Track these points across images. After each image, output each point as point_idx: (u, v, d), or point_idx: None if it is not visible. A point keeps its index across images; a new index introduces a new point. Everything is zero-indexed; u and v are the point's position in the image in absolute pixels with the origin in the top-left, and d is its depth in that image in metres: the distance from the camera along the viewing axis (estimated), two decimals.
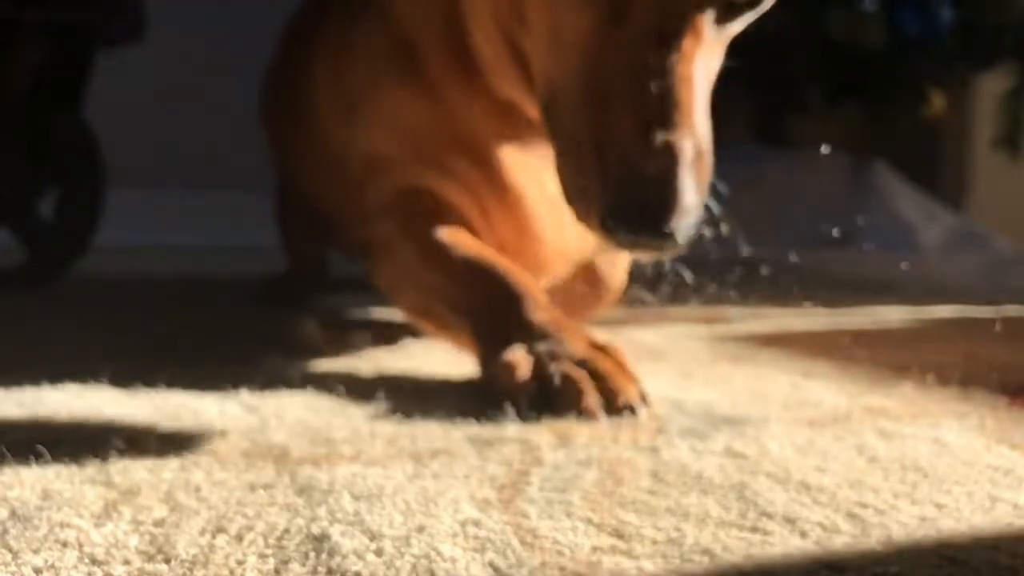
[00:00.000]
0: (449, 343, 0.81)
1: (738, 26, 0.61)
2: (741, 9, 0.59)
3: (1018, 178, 2.42)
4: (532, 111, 0.69)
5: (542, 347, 0.68)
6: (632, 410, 0.66)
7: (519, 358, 0.67)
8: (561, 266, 0.89)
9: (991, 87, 2.38)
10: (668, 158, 0.54)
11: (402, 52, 0.80)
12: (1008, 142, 2.25)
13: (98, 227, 1.56)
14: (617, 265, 0.95)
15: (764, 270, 1.43)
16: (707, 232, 0.63)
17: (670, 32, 0.56)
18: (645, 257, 0.70)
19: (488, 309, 0.72)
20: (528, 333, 0.69)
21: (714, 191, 0.60)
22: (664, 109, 0.54)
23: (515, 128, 0.77)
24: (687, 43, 0.56)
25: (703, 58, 0.57)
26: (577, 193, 0.57)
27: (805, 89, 2.30)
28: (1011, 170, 2.36)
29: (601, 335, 0.73)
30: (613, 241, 0.56)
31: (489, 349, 0.71)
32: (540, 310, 0.71)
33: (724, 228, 0.78)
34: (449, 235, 0.79)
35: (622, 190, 0.54)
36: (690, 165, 0.54)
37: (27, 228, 1.53)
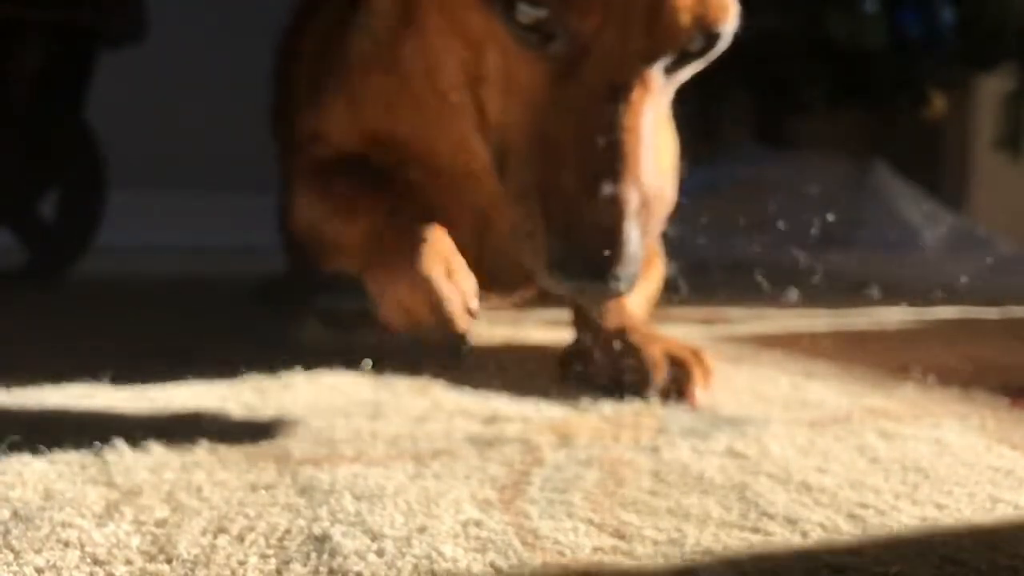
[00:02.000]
0: (342, 262, 0.82)
1: (687, 74, 0.62)
2: (690, 59, 0.60)
3: (1019, 179, 2.42)
4: (482, 157, 0.69)
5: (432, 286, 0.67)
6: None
7: (417, 302, 0.67)
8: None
9: (992, 88, 2.38)
10: (613, 210, 0.55)
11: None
12: (1009, 143, 2.25)
13: (99, 227, 1.56)
14: (648, 288, 0.94)
15: (765, 271, 1.43)
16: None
17: (619, 86, 0.57)
18: (589, 303, 0.73)
19: (388, 231, 0.73)
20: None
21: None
22: (611, 161, 0.56)
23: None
24: (635, 95, 0.58)
25: (651, 108, 0.59)
26: (525, 239, 0.59)
27: (806, 90, 2.30)
28: (1012, 171, 2.36)
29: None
30: (559, 287, 0.58)
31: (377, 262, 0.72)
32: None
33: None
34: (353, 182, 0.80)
35: (568, 240, 0.56)
36: (635, 215, 0.56)
37: (28, 228, 1.54)
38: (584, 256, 0.55)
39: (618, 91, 0.57)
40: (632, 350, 0.73)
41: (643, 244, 0.57)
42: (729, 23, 0.60)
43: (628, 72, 0.58)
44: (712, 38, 0.59)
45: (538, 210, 0.58)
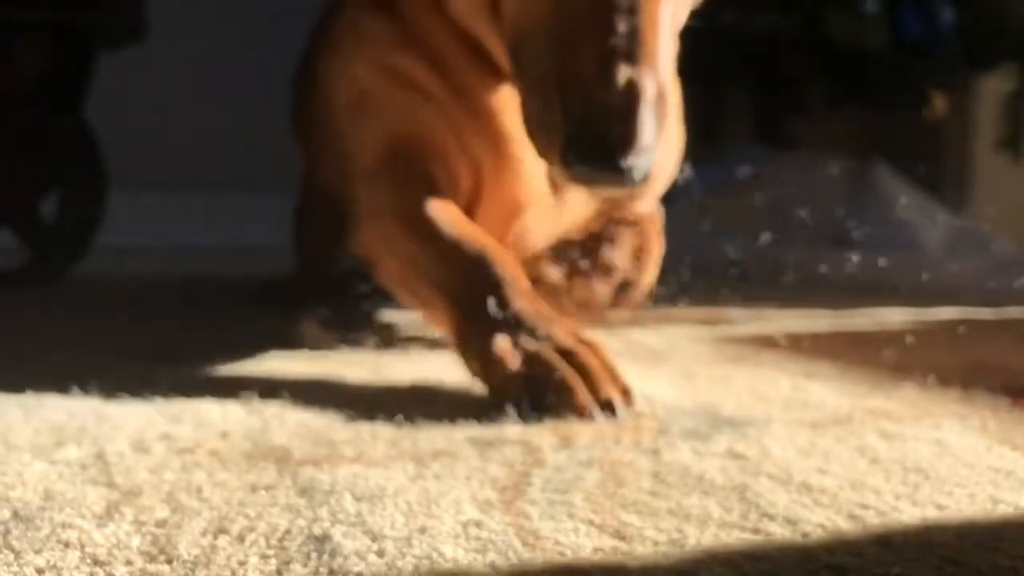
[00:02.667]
0: (427, 318, 0.80)
1: None
2: None
3: (1019, 180, 2.41)
4: (502, 60, 0.69)
5: (527, 339, 0.67)
6: (613, 410, 0.65)
7: (506, 350, 0.66)
8: (548, 228, 0.88)
9: (992, 89, 2.37)
10: (629, 94, 0.54)
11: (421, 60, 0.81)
12: (1009, 144, 2.25)
13: (99, 228, 1.56)
14: (645, 265, 0.94)
15: (765, 271, 1.43)
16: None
17: None
18: (603, 193, 0.72)
19: (470, 292, 0.71)
20: (511, 322, 0.68)
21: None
22: (628, 46, 0.55)
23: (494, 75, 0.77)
24: None
25: (670, 1, 0.58)
26: (540, 128, 0.58)
27: (806, 90, 2.30)
28: (1012, 172, 2.36)
29: (585, 330, 0.73)
30: (572, 175, 0.57)
31: (468, 333, 0.70)
32: (523, 298, 0.70)
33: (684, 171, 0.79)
34: (439, 209, 0.77)
35: (583, 123, 0.55)
36: (651, 103, 0.55)
37: (29, 229, 1.54)
38: (598, 140, 0.54)
39: None
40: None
41: (658, 136, 0.56)
42: None
43: None
44: None
45: (554, 97, 0.57)
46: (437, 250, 0.75)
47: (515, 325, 0.68)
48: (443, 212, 0.77)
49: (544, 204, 0.84)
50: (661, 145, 0.57)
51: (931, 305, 1.40)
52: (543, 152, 0.59)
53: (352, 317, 1.20)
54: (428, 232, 0.76)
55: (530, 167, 0.80)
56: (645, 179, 0.56)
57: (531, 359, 0.66)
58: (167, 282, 1.71)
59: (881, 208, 2.25)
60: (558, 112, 0.56)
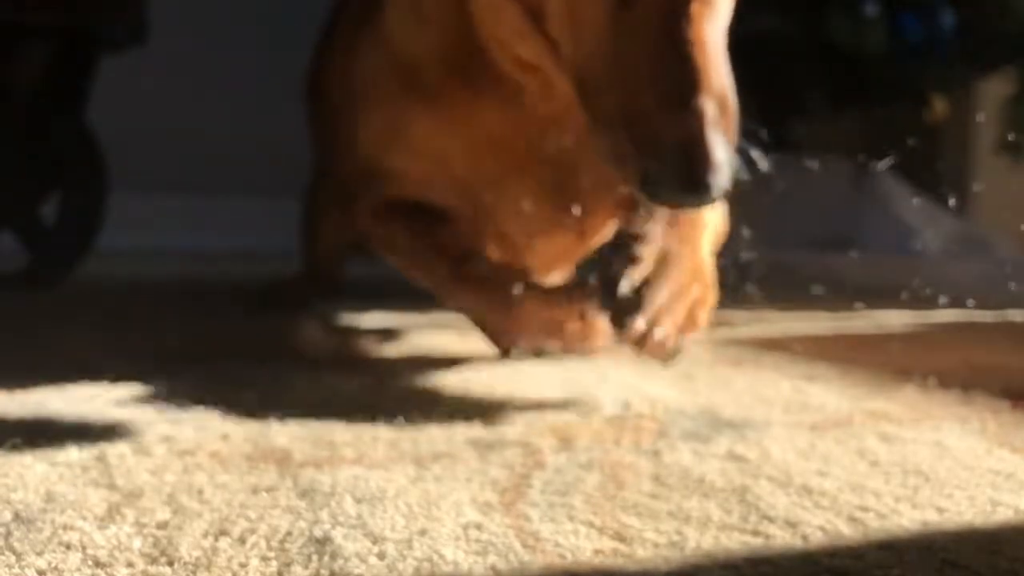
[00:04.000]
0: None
1: None
2: None
3: (1020, 182, 2.41)
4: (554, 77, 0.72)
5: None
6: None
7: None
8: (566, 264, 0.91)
9: (993, 92, 2.37)
10: (694, 122, 0.57)
11: (400, 69, 0.84)
12: (1010, 146, 2.25)
13: (100, 231, 1.56)
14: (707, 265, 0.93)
15: (766, 274, 1.43)
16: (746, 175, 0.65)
17: (678, 2, 0.60)
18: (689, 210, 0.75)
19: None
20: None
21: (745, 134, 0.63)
22: (682, 77, 0.58)
23: (524, 124, 0.80)
24: (695, 8, 0.60)
25: (712, 16, 0.61)
26: (616, 161, 0.62)
27: (807, 94, 2.30)
28: (1013, 174, 2.36)
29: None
30: (657, 202, 0.61)
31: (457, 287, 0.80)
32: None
33: (762, 164, 0.80)
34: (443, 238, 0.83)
35: (657, 158, 0.58)
36: (715, 123, 0.58)
37: (29, 232, 1.54)
38: (676, 171, 0.58)
39: (678, 7, 0.59)
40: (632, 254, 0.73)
41: (728, 148, 0.59)
42: None
43: None
44: None
45: (624, 134, 0.60)
46: (435, 250, 0.82)
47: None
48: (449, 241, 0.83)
49: (552, 220, 0.85)
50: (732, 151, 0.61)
51: (931, 308, 1.40)
52: (625, 180, 0.62)
53: (353, 320, 1.21)
54: (423, 233, 0.82)
55: (516, 184, 0.83)
56: (725, 190, 0.59)
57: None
58: (168, 285, 1.71)
59: (881, 211, 2.25)
60: (630, 147, 0.60)
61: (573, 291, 0.77)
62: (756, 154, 0.74)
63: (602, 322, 0.77)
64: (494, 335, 0.86)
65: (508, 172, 0.83)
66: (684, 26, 0.59)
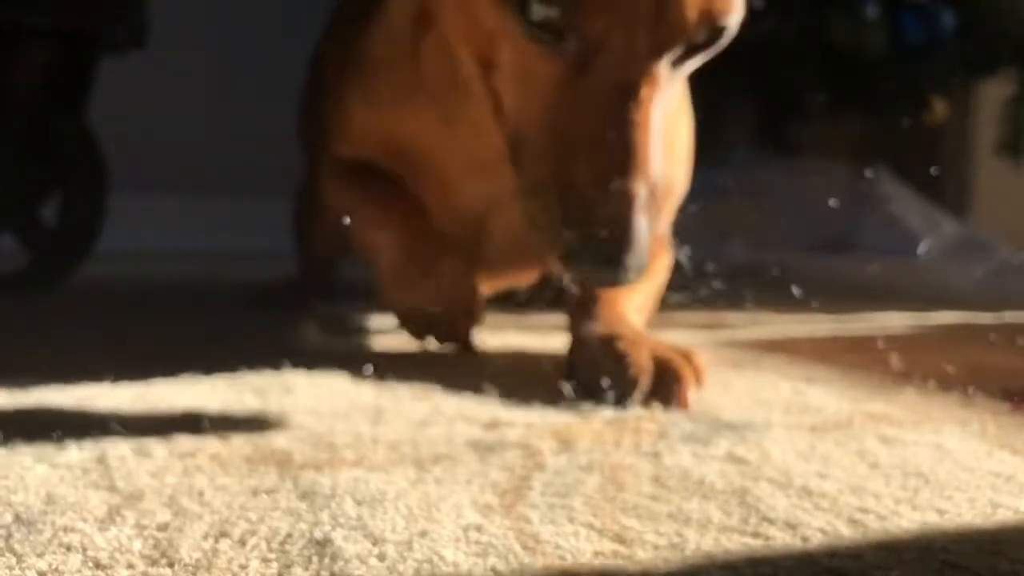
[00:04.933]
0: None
1: (693, 65, 0.63)
2: (697, 51, 0.62)
3: (1020, 185, 2.41)
4: (494, 147, 0.72)
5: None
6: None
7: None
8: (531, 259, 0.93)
9: (993, 93, 2.37)
10: (623, 203, 0.58)
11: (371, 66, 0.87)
12: (1010, 148, 2.25)
13: (100, 232, 1.56)
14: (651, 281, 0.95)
15: (766, 276, 1.43)
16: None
17: (628, 83, 0.59)
18: (602, 287, 0.78)
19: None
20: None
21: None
22: (621, 157, 0.59)
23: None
24: (644, 91, 0.60)
25: (660, 101, 0.61)
26: (542, 228, 0.62)
27: (807, 95, 2.30)
28: (1013, 177, 2.36)
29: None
30: (573, 274, 0.62)
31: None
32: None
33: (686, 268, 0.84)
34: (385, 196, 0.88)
35: (580, 231, 0.59)
36: (643, 208, 0.59)
37: (30, 233, 1.54)
38: (596, 247, 0.58)
39: (627, 88, 0.59)
40: (618, 356, 0.74)
41: (651, 234, 0.60)
42: (735, 15, 0.62)
43: (637, 69, 0.60)
44: (718, 30, 0.61)
45: (552, 202, 0.60)
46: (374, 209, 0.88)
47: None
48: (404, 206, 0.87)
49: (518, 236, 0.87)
50: (653, 232, 0.61)
51: (931, 310, 1.40)
52: (544, 248, 0.63)
53: (352, 321, 1.21)
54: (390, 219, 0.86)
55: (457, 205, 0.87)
56: (640, 274, 0.60)
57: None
58: (168, 286, 1.71)
59: (882, 213, 2.25)
60: (556, 214, 0.60)
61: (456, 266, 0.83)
62: (684, 257, 0.76)
63: (480, 310, 0.85)
64: (385, 287, 0.87)
65: (436, 193, 0.87)
66: (630, 106, 0.59)
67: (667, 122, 0.63)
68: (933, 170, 2.42)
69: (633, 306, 0.85)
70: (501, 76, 0.66)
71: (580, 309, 0.82)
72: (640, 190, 0.59)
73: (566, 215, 0.60)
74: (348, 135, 0.91)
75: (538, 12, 0.59)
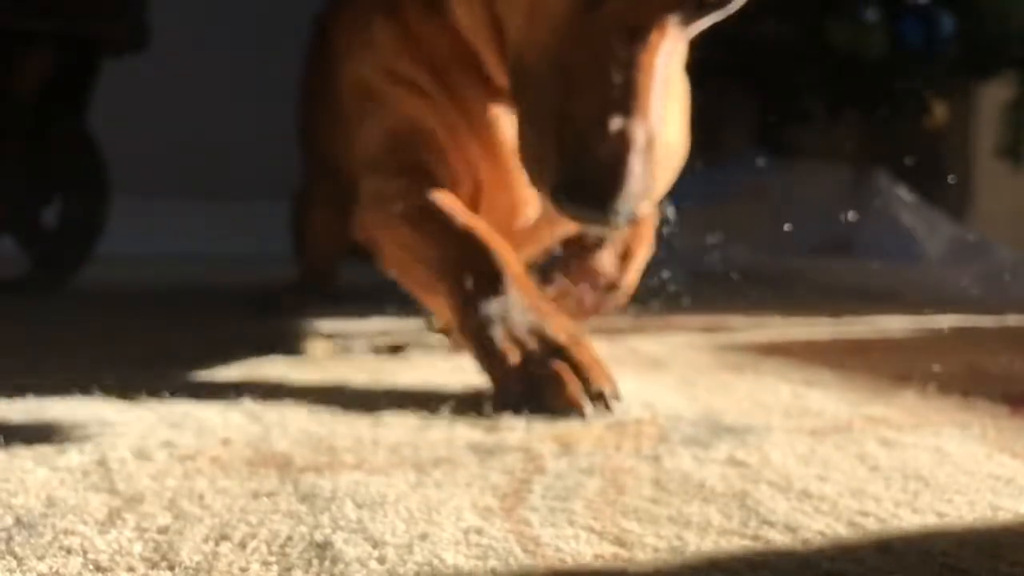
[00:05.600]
0: (427, 303, 0.82)
1: (704, 24, 0.63)
2: (709, 9, 0.62)
3: (1020, 188, 2.41)
4: (498, 75, 0.70)
5: (522, 332, 0.71)
6: (607, 404, 0.68)
7: (505, 344, 0.70)
8: (539, 236, 0.91)
9: (993, 97, 2.38)
10: (621, 144, 0.57)
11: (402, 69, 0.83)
12: (1010, 152, 2.25)
13: (101, 235, 1.56)
14: (629, 267, 0.95)
15: (766, 279, 1.43)
16: (664, 228, 0.67)
17: (639, 26, 0.59)
18: (589, 229, 0.77)
19: (469, 280, 0.74)
20: (508, 313, 0.72)
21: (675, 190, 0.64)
22: (624, 97, 0.58)
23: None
24: (653, 37, 0.60)
25: (666, 51, 0.61)
26: (534, 159, 0.61)
27: (807, 99, 2.30)
28: (1013, 180, 2.36)
29: (572, 326, 0.74)
30: (560, 208, 0.60)
31: (467, 321, 0.73)
32: (520, 289, 0.73)
33: (672, 221, 0.82)
34: (440, 199, 0.79)
35: (574, 167, 0.58)
36: (641, 152, 0.58)
37: (30, 236, 1.54)
38: (588, 184, 0.58)
39: (637, 31, 0.59)
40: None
41: (647, 182, 0.59)
42: None
43: (649, 15, 0.59)
44: None
45: (550, 134, 0.60)
46: (438, 238, 0.77)
47: (512, 317, 0.72)
48: (444, 201, 0.79)
49: (534, 213, 0.85)
50: (651, 188, 0.60)
51: (932, 313, 1.40)
52: (534, 180, 0.62)
53: (353, 324, 1.21)
54: (430, 220, 0.78)
55: (522, 178, 0.81)
56: (631, 221, 0.59)
57: (528, 353, 0.70)
58: (168, 290, 1.71)
59: (882, 216, 2.25)
60: (552, 147, 0.59)
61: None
62: (671, 213, 0.76)
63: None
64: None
65: (493, 164, 0.83)
66: (638, 49, 0.59)
67: (671, 82, 0.63)
68: (951, 178, 2.42)
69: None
70: (508, 3, 0.65)
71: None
72: (639, 134, 0.58)
73: (561, 150, 0.59)
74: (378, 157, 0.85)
75: None
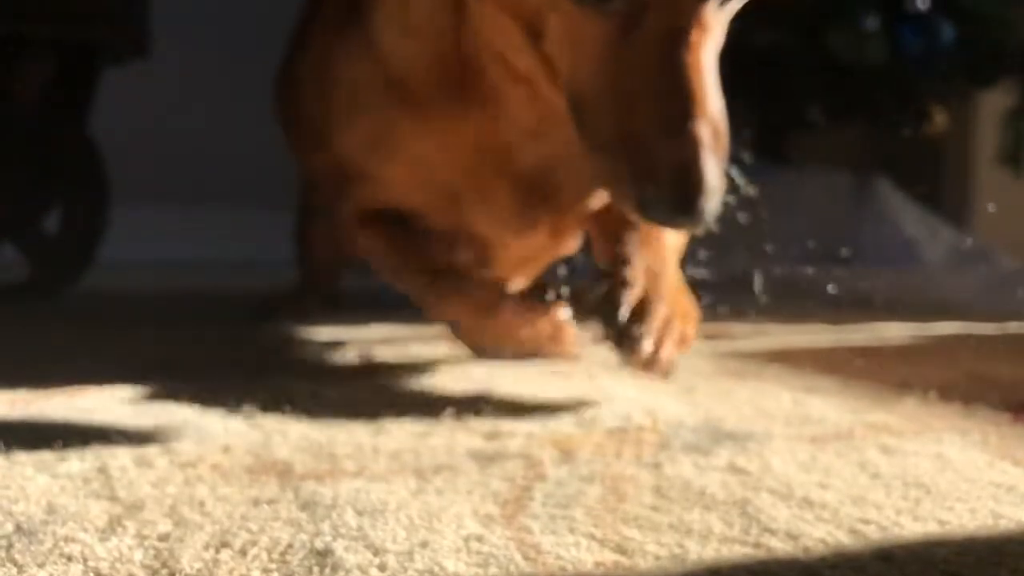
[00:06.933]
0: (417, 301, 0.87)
1: (739, 3, 0.64)
2: None
3: (1020, 194, 2.42)
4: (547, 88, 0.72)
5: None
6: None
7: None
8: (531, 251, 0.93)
9: (993, 104, 2.38)
10: (690, 147, 0.59)
11: (385, 76, 0.84)
12: (1010, 158, 2.25)
13: (102, 242, 1.56)
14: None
15: (767, 286, 1.43)
16: (731, 200, 0.68)
17: (678, 30, 0.60)
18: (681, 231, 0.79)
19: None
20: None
21: (734, 160, 0.65)
22: (681, 102, 0.60)
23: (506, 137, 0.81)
24: (694, 35, 0.61)
25: (710, 43, 0.62)
26: (613, 183, 0.63)
27: (807, 107, 2.30)
28: (1013, 186, 2.36)
29: None
30: (652, 222, 0.63)
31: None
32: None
33: (747, 191, 0.83)
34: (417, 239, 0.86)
35: (653, 181, 0.60)
36: (710, 149, 0.60)
37: (31, 243, 1.54)
38: (670, 195, 0.59)
39: (678, 36, 0.60)
40: (651, 308, 0.73)
41: (722, 174, 0.61)
42: None
43: (685, 16, 0.61)
44: None
45: (620, 157, 0.61)
46: (416, 245, 0.85)
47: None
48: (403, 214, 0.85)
49: (524, 227, 0.87)
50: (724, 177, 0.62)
51: (932, 320, 1.40)
52: (620, 202, 0.64)
53: (354, 330, 1.21)
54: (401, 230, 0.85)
55: (495, 190, 0.85)
56: (716, 215, 0.61)
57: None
58: (168, 296, 1.71)
59: (882, 223, 2.25)
60: (627, 171, 0.61)
61: (544, 298, 0.81)
62: (737, 175, 0.77)
63: (571, 327, 0.82)
64: (471, 342, 0.89)
65: (486, 179, 0.84)
66: (683, 53, 0.60)
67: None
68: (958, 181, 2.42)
69: (672, 246, 0.84)
70: (552, 43, 0.66)
71: (625, 244, 0.80)
72: (704, 132, 0.59)
73: (635, 168, 0.60)
74: (390, 170, 0.87)
75: None
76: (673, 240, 0.85)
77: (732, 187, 0.78)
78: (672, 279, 0.78)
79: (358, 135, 0.88)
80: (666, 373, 0.72)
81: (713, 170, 0.59)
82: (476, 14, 0.74)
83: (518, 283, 0.97)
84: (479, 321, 0.82)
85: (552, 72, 0.68)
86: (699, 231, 0.64)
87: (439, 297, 0.84)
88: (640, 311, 0.72)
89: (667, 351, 0.72)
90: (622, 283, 0.75)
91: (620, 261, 0.78)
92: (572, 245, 0.95)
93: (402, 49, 0.82)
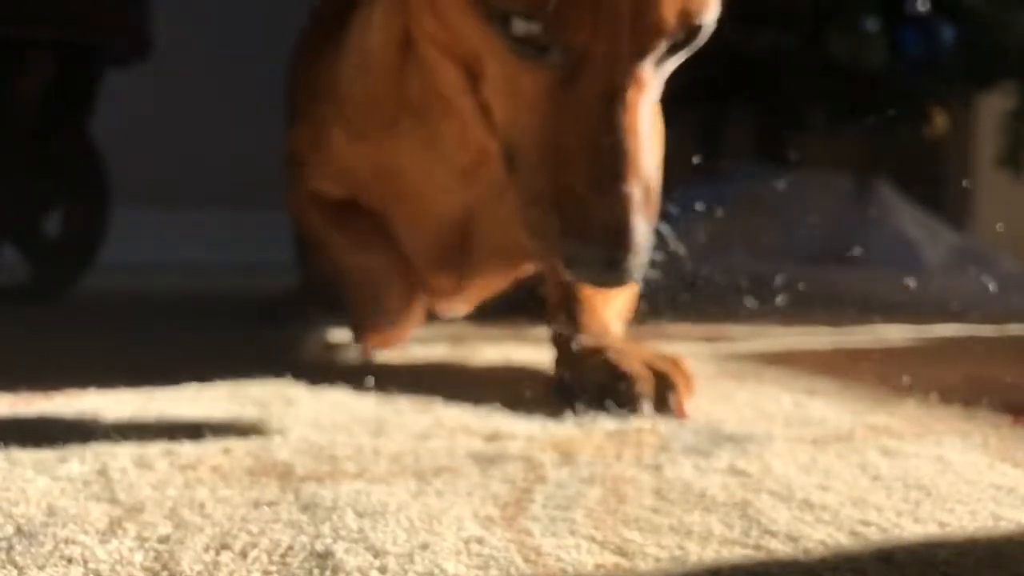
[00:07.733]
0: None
1: (674, 63, 0.65)
2: (677, 49, 0.63)
3: (1021, 197, 2.42)
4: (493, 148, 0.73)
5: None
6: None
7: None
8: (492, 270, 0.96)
9: (993, 106, 2.38)
10: (620, 206, 0.59)
11: (338, 94, 0.88)
12: (1010, 161, 2.25)
13: (103, 244, 1.56)
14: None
15: (767, 288, 1.43)
16: (658, 256, 0.69)
17: (615, 88, 0.61)
18: (604, 289, 0.79)
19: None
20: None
21: (664, 216, 0.66)
22: (615, 162, 0.60)
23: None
24: (631, 95, 0.61)
25: (646, 103, 0.62)
26: (542, 236, 0.63)
27: (807, 109, 2.30)
28: (1014, 189, 2.36)
29: None
30: (577, 279, 0.64)
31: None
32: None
33: (676, 248, 0.84)
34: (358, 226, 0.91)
35: (581, 238, 0.60)
36: (640, 208, 0.60)
37: (32, 245, 1.54)
38: (597, 252, 0.60)
39: (614, 94, 0.61)
40: (614, 370, 0.75)
41: (650, 233, 0.61)
42: (711, 13, 0.63)
43: (622, 75, 0.61)
44: (695, 29, 0.62)
45: (551, 211, 0.62)
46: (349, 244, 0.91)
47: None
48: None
49: (438, 267, 0.92)
50: (652, 236, 0.63)
51: (933, 322, 1.40)
52: (546, 256, 0.64)
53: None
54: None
55: (419, 226, 0.90)
56: (642, 273, 0.62)
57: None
58: (170, 299, 1.71)
59: (882, 226, 2.25)
60: (555, 225, 0.61)
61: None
62: (667, 231, 0.78)
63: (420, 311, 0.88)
64: (357, 316, 0.91)
65: (412, 212, 0.88)
66: (619, 111, 0.60)
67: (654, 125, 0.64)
68: (965, 183, 2.42)
69: (614, 311, 0.86)
70: (490, 90, 0.67)
71: (561, 317, 0.83)
72: (635, 192, 0.60)
73: (565, 222, 0.61)
74: (326, 169, 0.92)
75: (520, 27, 0.60)
76: (618, 302, 0.87)
77: (661, 244, 0.80)
78: (641, 352, 0.79)
79: (305, 133, 0.94)
80: (683, 416, 0.73)
81: (642, 230, 0.60)
82: (421, 55, 0.75)
83: (458, 308, 1.01)
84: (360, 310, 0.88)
85: (489, 118, 0.68)
86: (624, 289, 0.65)
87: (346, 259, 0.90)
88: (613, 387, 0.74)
89: (673, 403, 0.74)
90: (582, 360, 0.78)
91: (564, 341, 0.81)
92: (517, 277, 0.97)
93: (350, 72, 0.85)
